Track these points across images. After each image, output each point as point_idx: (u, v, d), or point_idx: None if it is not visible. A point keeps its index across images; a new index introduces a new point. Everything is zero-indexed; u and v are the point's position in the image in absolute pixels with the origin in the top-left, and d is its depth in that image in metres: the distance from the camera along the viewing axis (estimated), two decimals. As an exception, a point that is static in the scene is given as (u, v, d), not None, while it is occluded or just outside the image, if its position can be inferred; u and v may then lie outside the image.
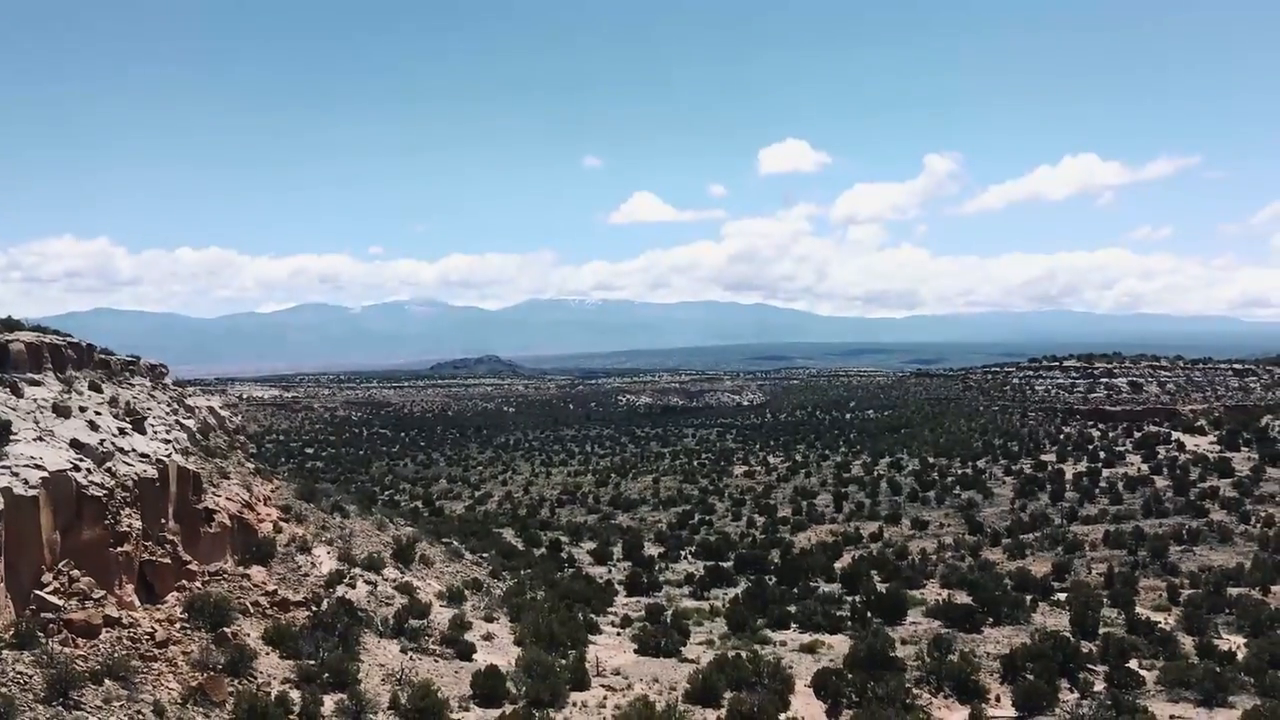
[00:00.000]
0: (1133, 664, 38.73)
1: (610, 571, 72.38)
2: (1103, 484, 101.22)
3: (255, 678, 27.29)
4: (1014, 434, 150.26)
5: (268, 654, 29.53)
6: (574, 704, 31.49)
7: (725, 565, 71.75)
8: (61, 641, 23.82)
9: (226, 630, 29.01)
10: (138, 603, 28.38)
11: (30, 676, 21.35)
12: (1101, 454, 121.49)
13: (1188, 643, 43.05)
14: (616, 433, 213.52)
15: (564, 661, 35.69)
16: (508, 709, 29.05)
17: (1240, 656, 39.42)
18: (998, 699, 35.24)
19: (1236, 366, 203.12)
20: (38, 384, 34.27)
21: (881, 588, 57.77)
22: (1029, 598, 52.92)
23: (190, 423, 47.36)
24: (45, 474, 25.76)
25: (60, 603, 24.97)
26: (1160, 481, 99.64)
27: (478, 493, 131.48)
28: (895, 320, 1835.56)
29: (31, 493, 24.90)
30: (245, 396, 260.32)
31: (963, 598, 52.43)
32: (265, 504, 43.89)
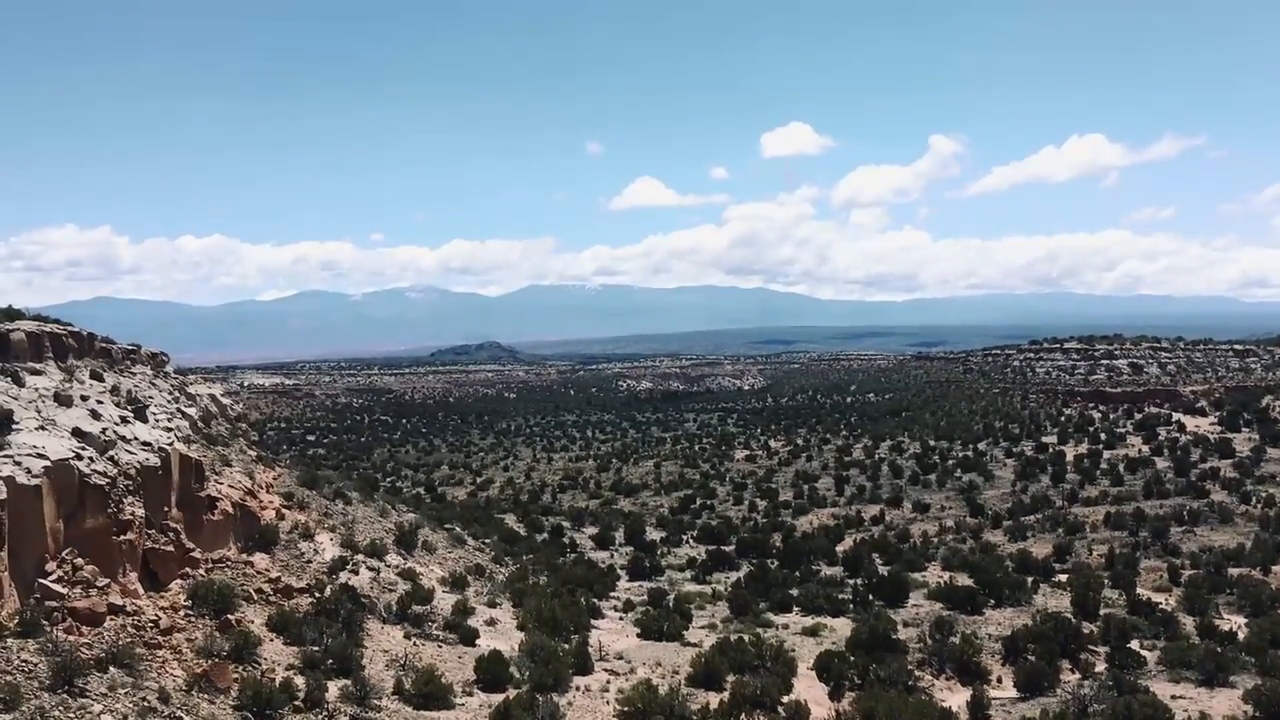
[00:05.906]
0: (1134, 645, 38.80)
1: (612, 556, 72.55)
2: (1103, 465, 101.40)
3: (260, 664, 27.35)
4: (1015, 416, 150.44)
5: (272, 640, 29.58)
6: (577, 688, 31.57)
7: (727, 549, 71.95)
8: (66, 629, 23.86)
9: (230, 617, 29.06)
10: (141, 590, 28.42)
11: (35, 664, 21.37)
12: (1102, 435, 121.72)
13: (1189, 623, 43.10)
14: (617, 418, 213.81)
15: (567, 646, 35.76)
16: (511, 693, 29.13)
17: (1241, 636, 39.41)
18: (999, 680, 35.35)
19: (1237, 347, 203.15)
20: (39, 373, 34.26)
21: (883, 570, 57.93)
22: (1030, 579, 52.98)
23: (192, 411, 47.36)
24: (48, 463, 25.76)
25: (64, 591, 25.02)
26: (1161, 463, 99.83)
27: (479, 479, 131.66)
28: (896, 303, 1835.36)
29: (34, 481, 24.92)
30: (247, 384, 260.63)
31: (964, 580, 52.50)
32: (268, 491, 43.89)
